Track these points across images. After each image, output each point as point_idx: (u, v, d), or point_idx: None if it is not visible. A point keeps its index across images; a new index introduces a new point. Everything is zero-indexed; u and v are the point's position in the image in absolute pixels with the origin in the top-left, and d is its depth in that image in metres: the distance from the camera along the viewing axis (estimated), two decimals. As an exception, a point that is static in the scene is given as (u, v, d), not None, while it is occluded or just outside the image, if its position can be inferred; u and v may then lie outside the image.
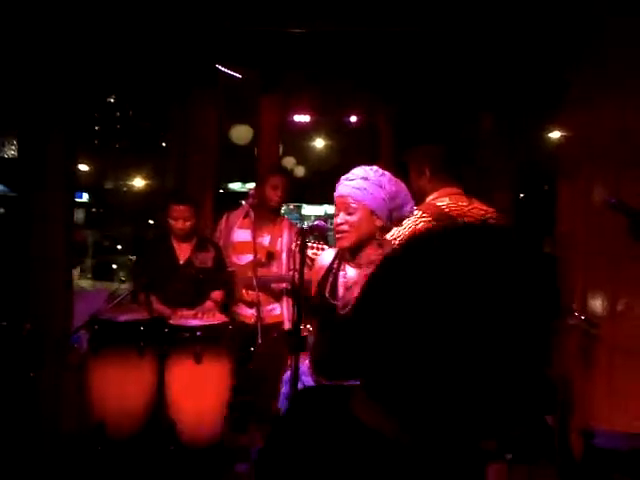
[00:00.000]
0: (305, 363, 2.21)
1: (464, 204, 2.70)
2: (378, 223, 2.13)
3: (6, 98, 3.86)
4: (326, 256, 2.29)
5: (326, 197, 12.61)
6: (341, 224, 2.12)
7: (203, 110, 5.13)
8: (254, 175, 7.91)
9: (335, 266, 2.22)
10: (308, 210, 11.95)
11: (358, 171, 2.16)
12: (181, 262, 3.72)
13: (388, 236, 2.57)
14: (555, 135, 8.95)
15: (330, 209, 13.38)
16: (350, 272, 2.18)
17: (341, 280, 2.17)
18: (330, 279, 2.20)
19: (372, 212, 2.12)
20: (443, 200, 2.71)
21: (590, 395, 3.61)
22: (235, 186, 12.38)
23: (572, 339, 3.68)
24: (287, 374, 2.33)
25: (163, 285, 3.62)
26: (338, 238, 2.14)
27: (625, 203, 2.20)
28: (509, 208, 5.49)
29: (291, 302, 3.91)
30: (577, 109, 3.88)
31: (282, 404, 2.28)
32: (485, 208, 2.74)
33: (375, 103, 5.70)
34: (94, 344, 3.36)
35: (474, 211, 2.69)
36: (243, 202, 11.24)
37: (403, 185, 2.20)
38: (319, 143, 9.47)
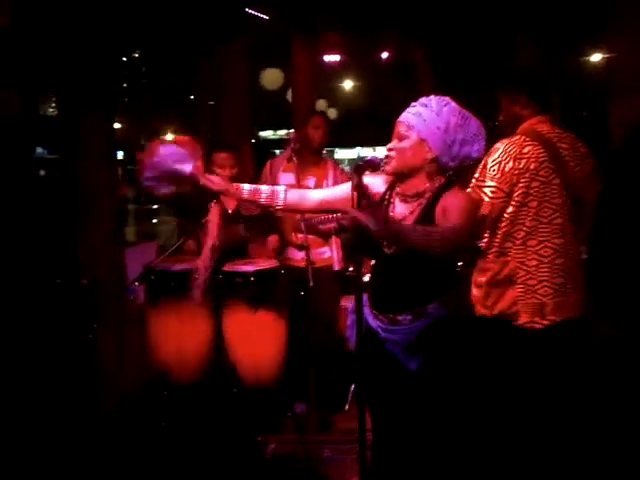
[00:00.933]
0: (365, 295, 2.21)
1: (559, 131, 2.64)
2: (429, 154, 2.04)
3: (42, 54, 3.84)
4: (377, 181, 2.21)
5: (359, 139, 12.43)
6: (390, 149, 2.07)
7: (232, 56, 5.06)
8: (288, 121, 7.83)
9: (387, 197, 2.18)
10: (341, 154, 11.83)
11: (423, 99, 2.09)
12: (229, 212, 3.73)
13: (489, 161, 2.51)
14: (596, 58, 8.62)
15: (363, 152, 13.22)
16: (398, 206, 2.13)
17: (390, 214, 2.13)
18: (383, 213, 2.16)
19: (423, 140, 2.04)
20: (542, 126, 2.64)
21: None
22: (266, 134, 12.29)
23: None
24: (350, 305, 2.35)
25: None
26: (385, 163, 2.09)
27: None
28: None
29: (339, 242, 3.92)
30: (628, 23, 3.70)
31: (350, 334, 2.30)
32: (575, 136, 2.68)
33: (409, 39, 5.53)
34: (151, 295, 3.43)
35: (568, 139, 2.63)
36: (277, 151, 11.19)
37: (475, 122, 2.10)
38: (349, 84, 9.27)
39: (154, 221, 8.83)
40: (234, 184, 2.31)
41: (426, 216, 2.06)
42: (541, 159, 2.54)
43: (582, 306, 2.60)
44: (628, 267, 2.03)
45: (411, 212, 2.10)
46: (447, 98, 2.08)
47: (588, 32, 5.92)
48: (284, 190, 2.26)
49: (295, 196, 2.27)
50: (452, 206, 2.01)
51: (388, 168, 2.09)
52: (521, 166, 2.52)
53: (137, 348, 3.64)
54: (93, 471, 2.97)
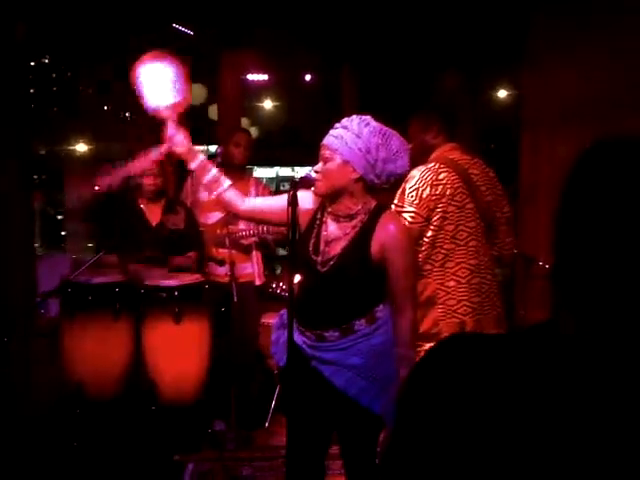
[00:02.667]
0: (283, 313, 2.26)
1: (468, 157, 2.80)
2: (353, 175, 2.09)
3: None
4: (307, 197, 2.24)
5: (279, 159, 12.50)
6: (317, 172, 2.12)
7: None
8: (207, 136, 7.75)
9: (319, 217, 2.22)
10: (260, 172, 11.82)
11: (344, 121, 2.14)
12: (153, 225, 3.66)
13: (407, 187, 2.63)
14: (502, 94, 9.14)
15: (282, 171, 13.28)
16: (331, 226, 2.18)
17: (322, 234, 2.18)
18: (315, 232, 2.20)
19: (346, 162, 2.08)
20: (453, 153, 2.78)
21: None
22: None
23: (537, 287, 3.84)
24: (275, 321, 2.35)
25: (135, 249, 3.55)
26: (313, 186, 2.14)
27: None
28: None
29: (260, 256, 3.94)
30: (539, 63, 3.98)
31: (275, 350, 2.30)
32: (484, 162, 2.85)
33: (335, 62, 5.67)
34: (67, 308, 3.29)
35: (477, 164, 2.80)
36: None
37: (397, 139, 2.13)
38: (270, 104, 9.34)
39: (62, 233, 8.45)
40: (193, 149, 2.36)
41: (360, 242, 2.11)
42: (456, 185, 2.69)
43: (500, 322, 2.75)
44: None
45: (345, 234, 2.14)
46: (368, 118, 2.13)
47: (497, 67, 6.27)
48: (229, 184, 2.31)
49: (233, 193, 2.33)
50: (394, 245, 2.08)
51: (317, 190, 2.15)
52: (438, 192, 2.65)
53: (48, 363, 3.48)
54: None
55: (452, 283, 2.67)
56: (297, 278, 2.24)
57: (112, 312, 3.26)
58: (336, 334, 2.12)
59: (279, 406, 3.61)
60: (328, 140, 2.10)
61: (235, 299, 3.46)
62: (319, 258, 2.14)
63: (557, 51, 3.74)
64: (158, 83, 2.32)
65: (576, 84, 3.54)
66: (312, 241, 2.18)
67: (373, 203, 2.16)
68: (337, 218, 2.17)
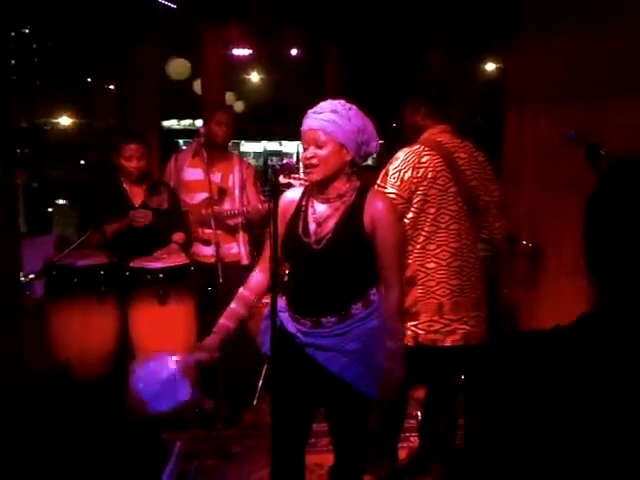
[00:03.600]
0: (282, 299, 2.25)
1: (457, 141, 2.80)
2: (347, 157, 2.13)
3: None
4: (290, 194, 2.29)
5: (265, 133, 12.42)
6: (311, 158, 2.11)
7: (140, 44, 4.92)
8: (192, 111, 7.68)
9: (304, 203, 2.23)
10: (247, 147, 11.77)
11: (326, 105, 2.14)
12: (136, 206, 3.64)
13: (390, 169, 2.65)
14: (490, 67, 9.09)
15: (269, 145, 13.19)
16: (320, 208, 2.19)
17: (311, 217, 2.19)
18: (301, 216, 2.21)
19: (342, 146, 2.11)
20: (440, 136, 2.78)
21: (537, 318, 3.86)
22: (169, 123, 12.00)
23: (520, 266, 3.89)
24: (266, 310, 2.36)
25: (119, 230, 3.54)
26: (308, 172, 2.14)
27: (583, 135, 2.31)
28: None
29: (247, 238, 3.94)
30: (528, 38, 3.95)
31: (264, 339, 2.32)
32: (472, 145, 2.85)
33: (321, 36, 5.61)
34: (52, 290, 3.30)
35: (466, 148, 2.80)
36: (180, 141, 10.91)
37: (370, 121, 2.20)
38: (256, 77, 9.25)
39: (49, 210, 8.38)
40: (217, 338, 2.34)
41: (352, 216, 2.14)
42: (438, 168, 2.70)
43: (479, 305, 2.79)
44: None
45: (335, 210, 2.17)
46: (344, 101, 2.16)
47: (486, 41, 6.23)
48: (245, 293, 2.36)
49: (255, 283, 2.36)
50: (382, 220, 2.13)
51: (315, 177, 2.14)
52: (419, 175, 2.66)
53: (35, 344, 3.49)
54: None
55: (432, 265, 2.70)
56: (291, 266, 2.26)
57: (97, 294, 3.26)
58: (333, 319, 2.13)
59: (266, 385, 3.66)
60: (322, 125, 2.10)
61: (221, 280, 3.48)
62: (312, 239, 2.16)
63: (543, 29, 3.72)
64: (158, 385, 2.27)
65: (560, 63, 3.53)
66: (300, 225, 2.19)
67: (358, 182, 2.21)
68: (327, 200, 2.19)
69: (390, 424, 2.96)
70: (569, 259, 3.49)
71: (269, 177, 2.44)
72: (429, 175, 2.67)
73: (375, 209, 2.13)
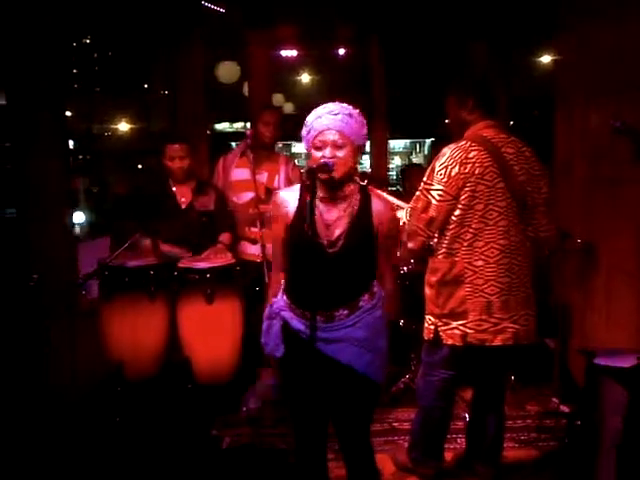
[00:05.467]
0: (283, 298, 2.29)
1: (504, 136, 2.74)
2: (358, 159, 2.23)
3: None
4: (287, 195, 2.29)
5: (316, 134, 12.50)
6: (331, 158, 2.13)
7: (189, 48, 5.02)
8: (243, 114, 7.78)
9: (307, 206, 2.23)
10: (298, 148, 11.81)
11: (337, 107, 2.16)
12: (183, 207, 3.72)
13: (436, 165, 2.66)
14: (545, 59, 8.86)
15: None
16: (326, 209, 2.22)
17: (319, 219, 2.21)
18: (308, 219, 2.19)
19: (357, 148, 2.19)
20: (487, 131, 2.73)
21: (589, 317, 3.74)
22: (222, 127, 12.19)
23: (571, 263, 3.77)
24: (266, 311, 2.38)
25: (167, 230, 3.63)
26: (330, 170, 2.14)
27: (629, 125, 2.23)
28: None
29: None
30: (571, 31, 3.84)
31: (266, 340, 2.34)
32: (521, 141, 2.78)
33: (365, 37, 5.59)
34: (105, 291, 3.41)
35: (512, 144, 2.73)
36: (233, 143, 11.09)
37: None
38: (306, 78, 9.29)
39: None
40: None
41: (362, 217, 2.21)
42: (486, 164, 2.64)
43: (529, 303, 2.72)
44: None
45: (343, 211, 2.22)
46: (351, 107, 2.19)
47: (538, 34, 6.09)
48: None
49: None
50: (386, 221, 2.26)
51: (336, 175, 2.16)
52: (467, 170, 2.62)
53: (90, 344, 3.61)
54: (46, 467, 2.95)
55: (480, 262, 2.65)
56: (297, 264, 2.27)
57: (148, 294, 3.36)
58: (345, 312, 2.20)
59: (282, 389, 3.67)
60: (340, 126, 2.13)
61: (267, 279, 3.51)
62: (324, 241, 2.19)
63: (591, 18, 3.59)
64: None
65: (607, 56, 3.41)
66: (309, 228, 2.18)
67: (356, 182, 2.27)
68: (334, 202, 2.22)
69: (436, 425, 2.93)
70: (622, 256, 3.36)
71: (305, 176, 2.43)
72: (477, 171, 2.62)
73: (381, 210, 2.24)
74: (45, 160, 3.80)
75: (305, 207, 2.20)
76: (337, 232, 2.19)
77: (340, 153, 2.14)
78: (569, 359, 3.85)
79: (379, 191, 2.74)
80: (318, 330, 2.15)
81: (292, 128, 4.17)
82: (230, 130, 12.12)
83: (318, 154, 2.15)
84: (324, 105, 2.19)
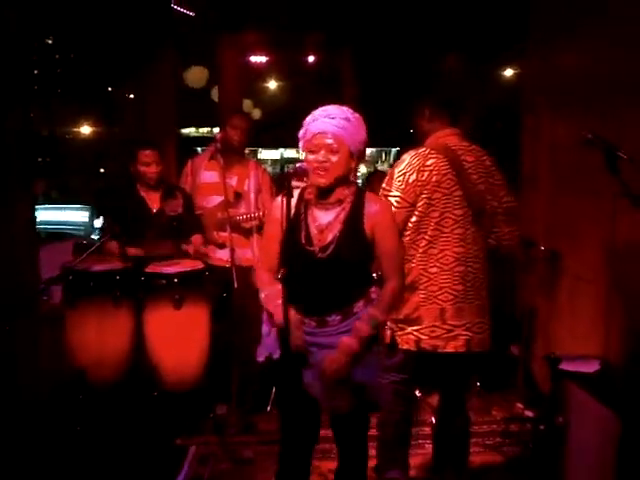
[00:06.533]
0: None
1: (466, 144, 2.76)
2: (353, 165, 2.17)
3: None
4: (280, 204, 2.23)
5: (283, 140, 12.46)
6: (324, 162, 2.12)
7: (161, 52, 4.97)
8: (210, 119, 7.73)
9: (302, 210, 2.23)
10: (264, 154, 11.83)
11: (335, 110, 2.15)
12: (153, 211, 3.67)
13: (395, 172, 2.66)
14: (508, 73, 9.06)
15: (287, 153, 13.22)
16: (319, 215, 2.21)
17: (312, 224, 2.20)
18: (302, 224, 2.21)
19: (351, 153, 2.14)
20: (448, 139, 2.76)
21: (553, 324, 3.81)
22: (188, 131, 12.11)
23: (535, 271, 3.84)
24: (264, 314, 2.33)
25: (137, 236, 3.57)
26: (318, 175, 2.14)
27: (601, 138, 2.28)
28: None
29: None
30: (539, 45, 3.93)
31: (264, 341, 2.31)
32: (481, 150, 2.81)
33: (336, 44, 5.63)
34: (69, 295, 3.34)
35: (473, 152, 2.75)
36: (199, 149, 11.01)
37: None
38: (274, 85, 9.30)
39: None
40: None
41: (354, 222, 2.17)
42: (444, 171, 2.66)
43: (483, 311, 2.74)
44: None
45: (336, 216, 2.19)
46: (351, 110, 2.17)
47: (503, 47, 6.23)
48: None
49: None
50: (382, 223, 2.19)
51: (324, 181, 2.14)
52: (424, 178, 2.63)
53: (52, 349, 3.52)
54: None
55: (434, 269, 2.66)
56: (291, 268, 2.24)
57: (113, 299, 3.29)
58: (338, 317, 2.17)
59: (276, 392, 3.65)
60: (335, 130, 2.11)
61: (235, 284, 3.48)
62: (315, 247, 2.17)
63: (558, 34, 3.69)
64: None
65: (577, 68, 3.50)
66: (302, 234, 2.20)
67: (354, 186, 2.24)
68: (325, 206, 2.20)
69: (395, 429, 2.91)
70: (585, 265, 3.44)
71: (283, 179, 2.41)
72: (434, 179, 2.64)
73: (374, 213, 2.18)
74: (7, 159, 3.69)
75: (298, 213, 2.22)
76: (330, 237, 2.17)
77: (334, 157, 2.12)
78: (533, 365, 3.91)
79: None
80: (312, 335, 2.17)
81: (259, 134, 4.17)
82: (196, 135, 12.04)
83: (311, 157, 2.14)
84: (323, 108, 2.17)
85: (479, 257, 2.73)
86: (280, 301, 2.10)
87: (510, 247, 2.86)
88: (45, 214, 8.12)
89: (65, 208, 7.91)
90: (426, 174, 2.64)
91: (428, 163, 2.65)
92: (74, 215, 8.50)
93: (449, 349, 2.67)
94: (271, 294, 2.22)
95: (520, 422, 3.50)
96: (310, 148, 2.15)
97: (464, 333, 2.68)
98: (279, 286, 2.16)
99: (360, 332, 2.14)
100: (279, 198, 2.26)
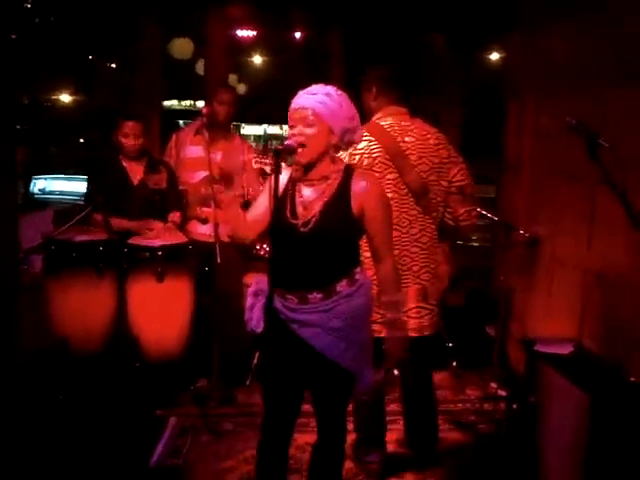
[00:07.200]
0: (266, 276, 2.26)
1: (407, 124, 2.73)
2: (333, 140, 2.16)
3: None
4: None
5: (266, 116, 12.36)
6: (299, 135, 2.12)
7: (144, 22, 4.89)
8: (193, 92, 7.64)
9: (290, 186, 2.25)
10: (247, 130, 11.73)
11: (319, 87, 2.16)
12: (135, 184, 3.65)
13: (343, 155, 2.62)
14: (494, 57, 9.08)
15: (270, 129, 13.13)
16: (305, 191, 2.22)
17: (298, 200, 2.21)
18: (288, 199, 2.23)
19: (330, 128, 2.14)
20: (386, 119, 2.73)
21: (529, 306, 3.89)
22: (170, 103, 11.96)
23: (515, 254, 3.91)
24: (251, 288, 2.35)
25: (117, 207, 3.55)
26: (298, 153, 2.14)
27: (584, 124, 2.31)
28: (458, 126, 5.66)
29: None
30: (525, 30, 3.95)
31: (250, 316, 2.31)
32: (427, 128, 2.78)
33: (325, 21, 5.59)
34: (51, 265, 3.32)
35: (416, 131, 2.73)
36: (181, 121, 10.89)
37: (357, 112, 2.22)
38: (259, 60, 9.21)
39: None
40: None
41: (339, 198, 2.17)
42: (375, 154, 2.65)
43: (422, 296, 2.75)
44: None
45: (322, 192, 2.19)
46: (335, 88, 2.17)
47: (490, 30, 6.24)
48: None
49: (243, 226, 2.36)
50: (370, 200, 2.17)
51: (303, 159, 2.15)
52: (355, 161, 2.63)
53: (31, 319, 3.51)
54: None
55: (367, 254, 2.65)
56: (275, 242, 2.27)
57: (96, 270, 3.29)
58: (319, 295, 2.16)
59: (259, 365, 3.69)
60: (313, 104, 2.11)
61: (219, 260, 3.48)
62: (299, 221, 2.18)
63: (544, 17, 3.71)
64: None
65: (562, 52, 3.53)
66: (288, 208, 2.21)
67: (342, 164, 2.24)
68: (312, 182, 2.21)
69: (372, 413, 2.95)
70: (564, 250, 3.52)
71: (271, 156, 2.40)
72: (365, 162, 2.63)
73: (361, 189, 2.16)
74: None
75: (286, 190, 2.23)
76: (312, 212, 2.18)
77: (309, 130, 2.11)
78: (508, 346, 4.00)
79: None
80: (293, 311, 2.19)
81: (242, 109, 4.15)
82: (178, 108, 11.90)
83: (291, 132, 2.15)
84: (310, 86, 2.17)
85: (419, 241, 2.72)
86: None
87: (468, 228, 2.85)
88: (55, 184, 8.03)
89: (73, 179, 7.83)
90: (357, 157, 2.64)
91: (360, 147, 2.63)
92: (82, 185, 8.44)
93: (384, 334, 2.69)
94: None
95: (494, 401, 3.58)
96: (290, 123, 2.16)
97: None
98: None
99: (392, 321, 2.27)
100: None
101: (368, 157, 2.63)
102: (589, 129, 2.29)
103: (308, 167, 2.19)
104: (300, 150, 2.13)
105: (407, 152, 2.68)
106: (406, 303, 2.68)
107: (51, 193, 7.98)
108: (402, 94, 2.82)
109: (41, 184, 8.04)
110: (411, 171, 2.66)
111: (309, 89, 2.16)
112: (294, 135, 2.13)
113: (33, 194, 7.98)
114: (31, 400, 3.19)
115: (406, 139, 2.69)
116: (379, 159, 2.64)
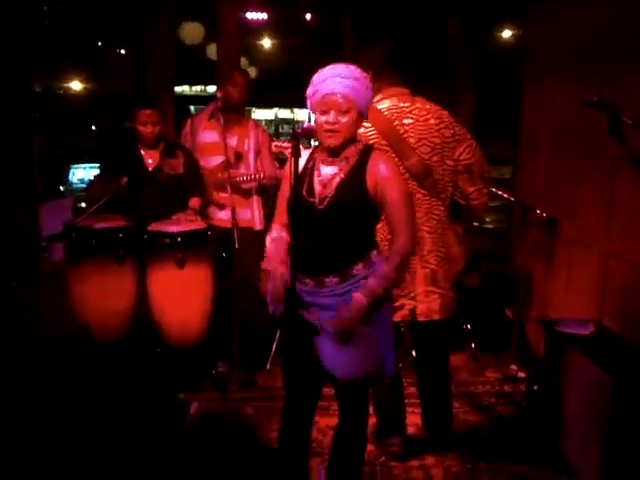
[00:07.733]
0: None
1: (406, 105, 2.69)
2: (361, 122, 2.18)
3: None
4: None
5: (277, 100, 12.28)
6: (334, 123, 2.11)
7: (156, 6, 4.87)
8: (204, 76, 7.60)
9: (310, 166, 2.26)
10: (258, 114, 11.68)
11: (344, 69, 2.13)
12: (150, 169, 3.65)
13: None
14: (507, 34, 8.96)
15: (281, 113, 13.03)
16: (325, 170, 2.22)
17: (317, 179, 2.21)
18: (307, 179, 2.23)
19: (360, 113, 2.15)
20: (384, 103, 2.70)
21: (549, 287, 3.88)
22: (180, 89, 11.93)
23: (534, 235, 3.89)
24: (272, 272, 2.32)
25: (134, 194, 3.56)
26: (328, 137, 2.14)
27: (605, 100, 2.28)
28: (471, 107, 5.61)
29: (260, 202, 3.94)
30: (542, 7, 3.89)
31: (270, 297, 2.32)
32: (428, 107, 2.72)
33: (339, 4, 5.53)
34: (72, 253, 3.34)
35: (416, 112, 2.68)
36: (192, 107, 10.84)
37: None
38: (269, 43, 9.14)
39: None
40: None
41: (355, 176, 2.17)
42: (372, 139, 2.60)
43: (433, 280, 2.72)
44: None
45: (339, 170, 2.19)
46: (359, 69, 2.15)
47: (502, 8, 6.16)
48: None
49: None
50: (386, 179, 2.15)
51: (335, 142, 2.14)
52: None
53: (53, 307, 3.55)
54: (8, 433, 2.90)
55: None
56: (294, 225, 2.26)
57: (116, 257, 3.31)
58: (336, 279, 2.16)
59: (280, 349, 3.71)
60: (345, 90, 2.10)
61: (237, 245, 3.49)
62: (316, 199, 2.18)
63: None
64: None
65: (576, 32, 3.48)
66: (305, 187, 2.22)
67: (361, 144, 2.24)
68: (332, 162, 2.21)
69: (390, 397, 2.95)
70: (584, 230, 3.49)
71: (291, 140, 2.40)
72: None
73: (378, 168, 2.16)
74: (7, 122, 3.66)
75: (306, 169, 2.23)
76: (329, 190, 2.17)
77: (344, 119, 2.11)
78: (527, 327, 4.00)
79: None
80: (312, 295, 2.19)
81: (254, 94, 4.13)
82: (189, 93, 11.86)
83: (322, 118, 2.13)
84: (332, 66, 2.14)
85: (425, 224, 2.69)
86: (277, 261, 2.22)
87: (481, 207, 2.80)
88: (80, 172, 8.06)
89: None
90: None
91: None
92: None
93: (397, 318, 2.66)
94: (271, 250, 2.31)
95: (514, 383, 3.59)
96: (320, 109, 2.14)
97: (408, 302, 2.68)
98: (283, 234, 2.26)
99: (371, 288, 2.12)
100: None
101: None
102: (612, 104, 2.26)
103: (337, 150, 2.18)
104: (331, 135, 2.12)
105: (405, 135, 2.64)
106: (413, 287, 2.67)
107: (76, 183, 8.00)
108: (403, 73, 2.76)
109: (80, 173, 8.03)
110: (411, 154, 2.63)
111: (336, 71, 2.13)
112: (329, 122, 2.12)
113: (71, 183, 7.98)
114: (52, 384, 3.24)
115: (404, 121, 2.66)
116: (375, 144, 2.62)
